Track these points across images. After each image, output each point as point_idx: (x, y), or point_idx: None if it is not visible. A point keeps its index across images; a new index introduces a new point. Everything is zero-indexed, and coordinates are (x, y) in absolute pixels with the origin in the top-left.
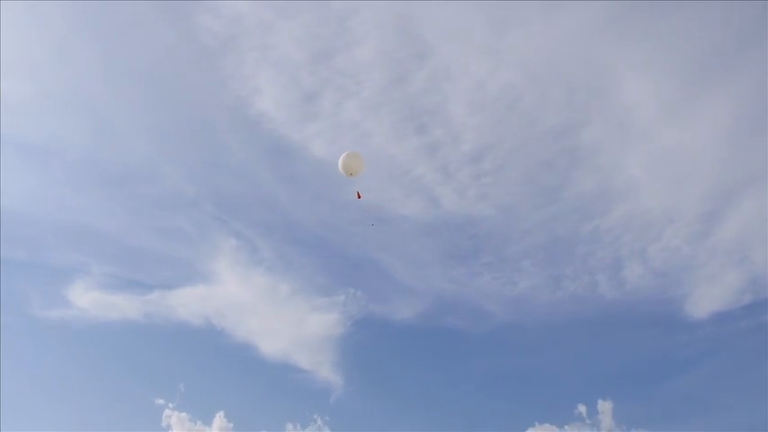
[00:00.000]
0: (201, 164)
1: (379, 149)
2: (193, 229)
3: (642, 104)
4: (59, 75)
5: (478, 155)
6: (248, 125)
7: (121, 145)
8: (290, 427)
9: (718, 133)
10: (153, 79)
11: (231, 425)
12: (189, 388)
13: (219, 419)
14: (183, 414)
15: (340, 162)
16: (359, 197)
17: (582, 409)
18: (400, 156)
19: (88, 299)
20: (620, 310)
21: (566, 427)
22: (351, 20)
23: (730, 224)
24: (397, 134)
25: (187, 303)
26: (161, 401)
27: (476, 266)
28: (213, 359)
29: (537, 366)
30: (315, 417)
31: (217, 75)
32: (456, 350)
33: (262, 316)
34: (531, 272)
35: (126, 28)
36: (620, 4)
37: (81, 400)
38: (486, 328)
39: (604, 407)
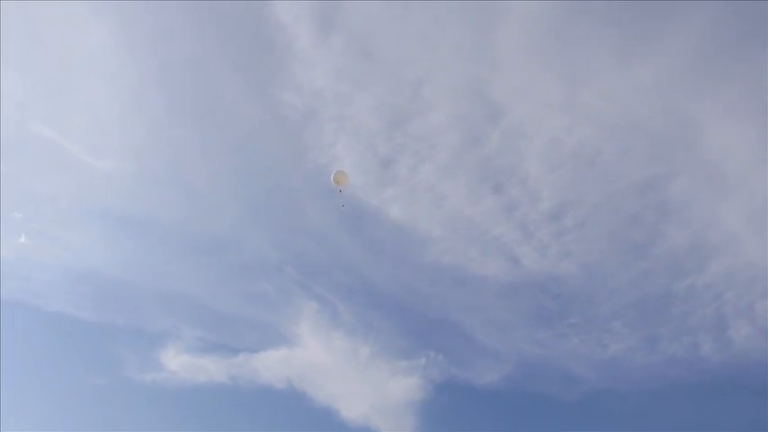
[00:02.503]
0: (284, 230)
1: (455, 210)
2: (277, 293)
3: (732, 151)
4: (158, 153)
5: (558, 212)
6: (327, 192)
7: (211, 215)
8: None
9: None
10: (240, 152)
11: None
12: None
13: None
14: None
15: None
16: (340, 191)
17: None
18: (477, 216)
19: (179, 362)
20: (726, 375)
21: None
22: (423, 87)
23: None
24: (473, 195)
25: (270, 366)
26: None
27: (562, 328)
28: (295, 422)
29: None
30: None
31: (298, 145)
32: (544, 417)
33: (342, 379)
34: (622, 333)
35: (216, 106)
36: (696, 49)
37: None
38: (577, 393)
39: None
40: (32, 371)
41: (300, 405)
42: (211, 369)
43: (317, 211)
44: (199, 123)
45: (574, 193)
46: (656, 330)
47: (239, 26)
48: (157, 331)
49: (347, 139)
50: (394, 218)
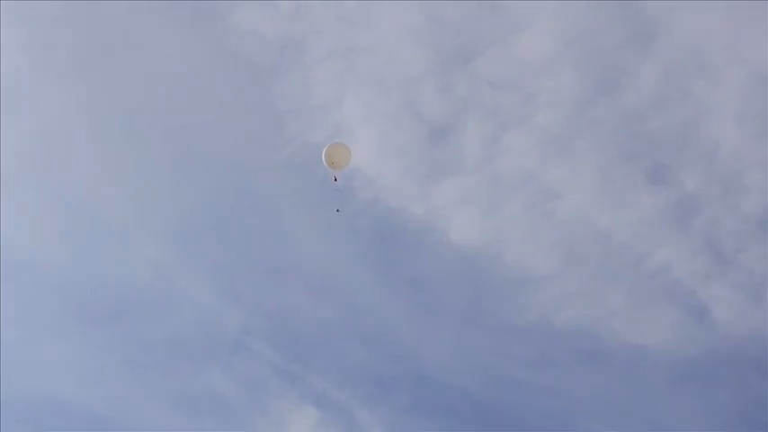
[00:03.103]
0: (249, 271)
1: (579, 221)
2: (238, 392)
3: None
4: None
5: None
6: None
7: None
8: None
9: None
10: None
11: None
12: None
13: None
14: None
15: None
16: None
17: None
18: (622, 230)
19: None
20: None
21: None
22: None
23: None
24: (612, 189)
25: None
26: None
27: None
28: None
29: None
30: None
31: (269, 110)
32: None
33: None
34: None
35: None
36: None
37: None
38: None
39: None
40: None
41: None
42: None
43: (313, 230)
44: None
45: None
46: None
47: None
48: None
49: (360, 90)
50: (458, 240)
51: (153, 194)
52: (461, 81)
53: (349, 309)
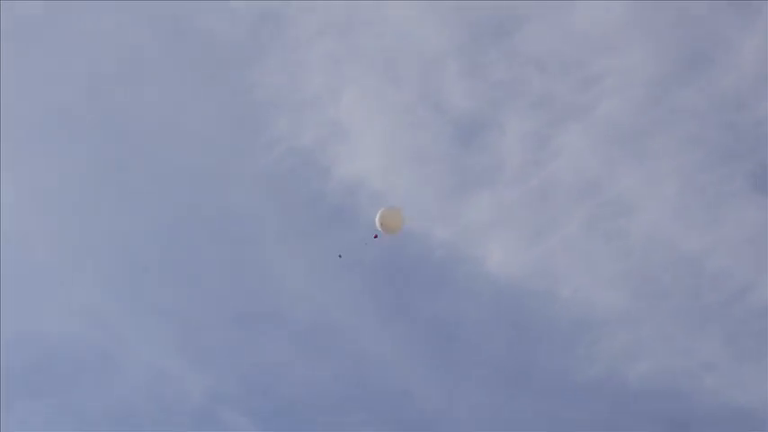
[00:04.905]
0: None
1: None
2: None
3: None
4: None
5: None
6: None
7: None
8: None
9: None
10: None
11: None
12: None
13: None
14: None
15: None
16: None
17: None
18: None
19: None
20: None
21: None
22: None
23: None
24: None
25: None
26: None
27: None
28: None
29: None
30: None
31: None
32: None
33: None
34: None
35: None
36: None
37: None
38: None
39: None
40: None
41: None
42: None
43: (303, 262)
44: None
45: None
46: None
47: None
48: None
49: (363, 78)
50: (496, 271)
51: (86, 219)
52: (497, 62)
53: (351, 366)
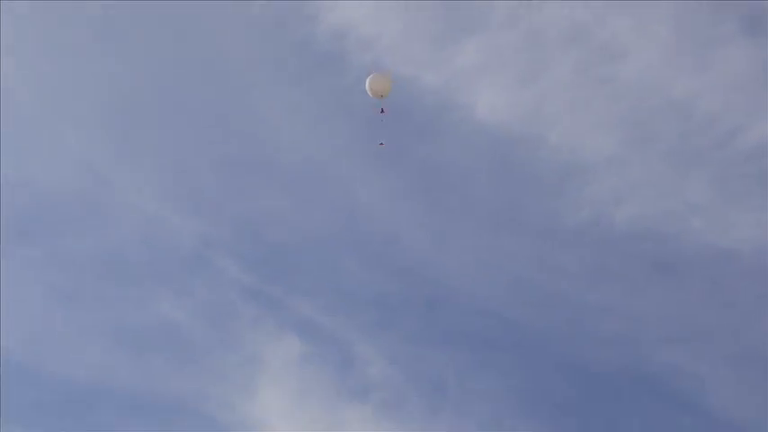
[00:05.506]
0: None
1: None
2: (200, 318)
3: None
4: None
5: None
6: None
7: None
8: None
9: None
10: None
11: None
12: None
13: None
14: None
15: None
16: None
17: None
18: None
19: None
20: None
21: None
22: None
23: None
24: None
25: None
26: None
27: None
28: None
29: None
30: None
31: None
32: None
33: None
34: None
35: None
36: None
37: None
38: None
39: None
40: None
41: None
42: None
43: (294, 110)
44: None
45: None
46: None
47: None
48: None
49: None
50: (486, 118)
51: (76, 69)
52: None
53: (342, 212)
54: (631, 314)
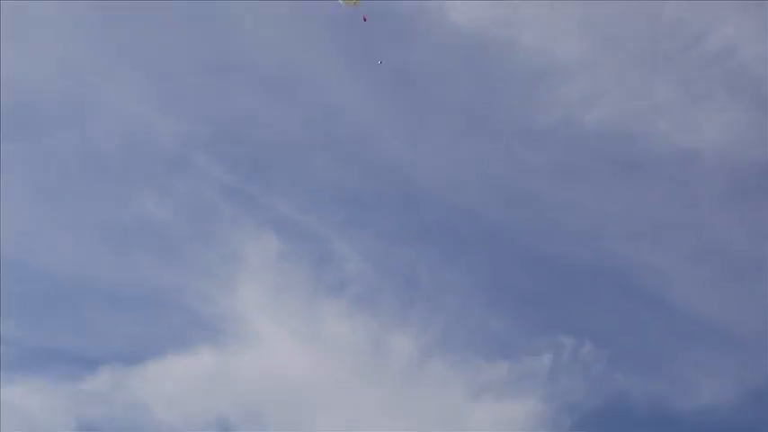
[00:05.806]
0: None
1: None
2: (180, 219)
3: None
4: None
5: None
6: None
7: None
8: None
9: None
10: None
11: None
12: None
13: None
14: None
15: None
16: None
17: None
18: None
19: None
20: None
21: None
22: None
23: None
24: None
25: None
26: None
27: None
28: None
29: None
30: None
31: None
32: None
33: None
34: None
35: None
36: None
37: None
38: None
39: None
40: None
41: None
42: None
43: (269, 12)
44: None
45: None
46: None
47: None
48: None
49: None
50: (458, 20)
51: None
52: None
53: (317, 111)
54: (598, 211)
